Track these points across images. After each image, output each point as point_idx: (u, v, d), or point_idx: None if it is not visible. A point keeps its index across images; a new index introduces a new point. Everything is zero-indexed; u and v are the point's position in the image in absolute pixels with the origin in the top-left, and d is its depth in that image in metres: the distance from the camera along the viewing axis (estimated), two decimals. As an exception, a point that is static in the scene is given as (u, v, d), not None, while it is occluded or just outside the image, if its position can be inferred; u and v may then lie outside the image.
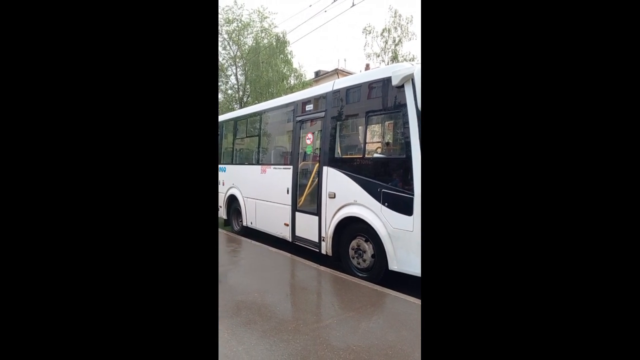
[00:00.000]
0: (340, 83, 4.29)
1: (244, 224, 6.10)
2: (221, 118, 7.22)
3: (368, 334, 2.43)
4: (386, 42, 13.03)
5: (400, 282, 3.44)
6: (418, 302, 2.97)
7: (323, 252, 4.30)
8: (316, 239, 4.39)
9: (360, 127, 4.14)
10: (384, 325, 2.58)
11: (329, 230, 4.15)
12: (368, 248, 3.75)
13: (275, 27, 16.20)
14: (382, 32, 13.01)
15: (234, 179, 6.50)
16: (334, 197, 4.06)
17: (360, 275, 3.79)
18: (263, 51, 15.27)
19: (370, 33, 13.28)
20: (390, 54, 12.99)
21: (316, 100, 4.64)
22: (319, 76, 21.19)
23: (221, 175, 6.81)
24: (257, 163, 5.85)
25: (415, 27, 12.96)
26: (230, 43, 16.24)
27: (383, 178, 3.54)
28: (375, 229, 3.53)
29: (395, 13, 12.75)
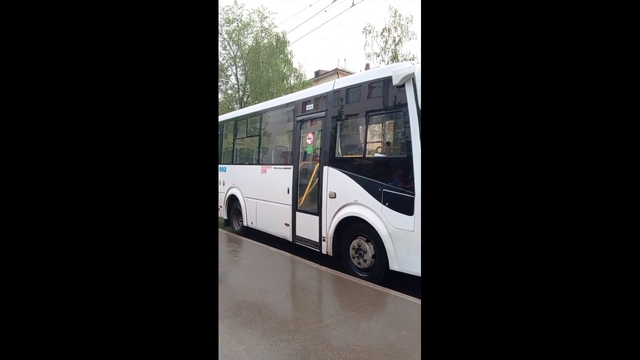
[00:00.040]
0: (341, 83, 4.29)
1: (245, 224, 6.10)
2: (221, 118, 7.22)
3: (368, 333, 2.43)
4: (386, 41, 13.03)
5: (401, 282, 3.44)
6: (418, 302, 2.97)
7: (324, 252, 4.30)
8: (317, 239, 4.39)
9: (360, 127, 4.13)
10: (384, 325, 2.58)
11: (329, 230, 4.15)
12: (369, 248, 3.75)
13: (275, 27, 16.22)
14: (382, 32, 13.00)
15: (235, 179, 6.50)
16: (335, 197, 4.06)
17: (361, 275, 3.78)
18: (263, 51, 15.27)
19: (370, 33, 13.27)
20: (390, 54, 12.98)
21: (317, 99, 4.64)
22: (319, 76, 21.20)
23: (221, 175, 6.81)
24: (258, 163, 5.85)
25: (415, 27, 12.97)
26: (230, 43, 16.24)
27: (384, 178, 3.54)
28: (376, 229, 3.53)
29: (395, 13, 12.75)
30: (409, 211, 3.24)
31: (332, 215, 4.10)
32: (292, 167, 4.84)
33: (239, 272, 4.05)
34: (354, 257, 3.94)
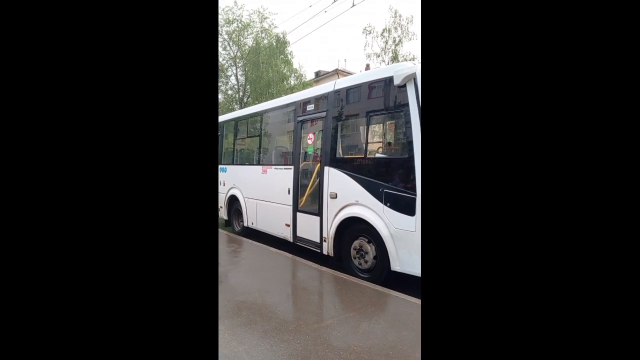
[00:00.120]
0: (342, 83, 4.29)
1: (245, 224, 6.10)
2: (222, 118, 7.22)
3: (369, 334, 2.43)
4: (386, 42, 13.02)
5: (402, 283, 3.43)
6: (419, 302, 2.97)
7: (324, 252, 4.29)
8: (318, 240, 4.39)
9: (361, 127, 4.13)
10: (384, 325, 2.57)
11: (330, 230, 4.14)
12: (370, 249, 3.74)
13: (275, 27, 16.22)
14: (382, 32, 13.00)
15: (235, 180, 6.50)
16: (336, 197, 4.05)
17: (363, 276, 3.77)
18: (263, 51, 15.27)
19: (370, 33, 13.27)
20: (390, 54, 12.98)
21: (317, 100, 4.65)
22: (319, 76, 21.20)
23: (222, 176, 6.82)
24: (258, 163, 5.85)
25: (415, 27, 12.96)
26: (231, 43, 16.24)
27: (385, 178, 3.53)
28: (378, 230, 3.53)
29: (396, 13, 12.75)
30: (410, 212, 3.23)
31: (333, 216, 4.09)
32: (292, 167, 4.84)
33: (239, 272, 4.05)
34: (355, 258, 3.93)
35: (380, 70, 4.04)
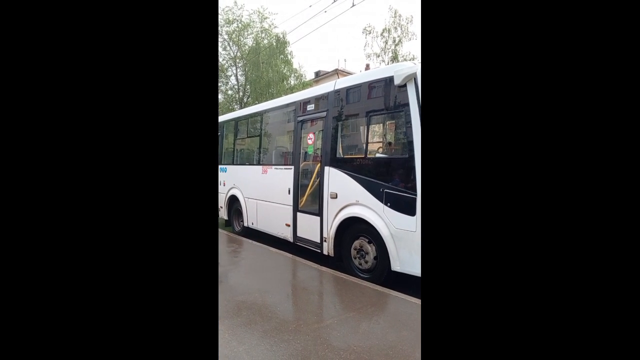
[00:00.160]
0: (342, 83, 4.29)
1: (245, 224, 6.10)
2: (222, 118, 7.22)
3: (369, 334, 2.43)
4: (386, 42, 13.01)
5: (402, 283, 3.43)
6: (419, 302, 2.97)
7: (325, 252, 4.29)
8: (318, 240, 4.39)
9: (362, 127, 4.13)
10: (384, 325, 2.57)
11: (330, 230, 4.14)
12: (370, 249, 3.74)
13: (275, 27, 16.21)
14: (382, 32, 12.99)
15: (235, 180, 6.50)
16: (336, 197, 4.05)
17: (363, 276, 3.77)
18: (263, 52, 15.27)
19: (370, 33, 13.26)
20: (390, 54, 12.98)
21: (317, 100, 4.64)
22: (319, 76, 21.19)
23: (222, 176, 6.82)
24: (258, 163, 5.85)
25: (415, 27, 12.95)
26: (231, 43, 16.24)
27: (385, 178, 3.53)
28: (378, 230, 3.53)
29: (395, 13, 12.75)
30: (411, 212, 3.23)
31: (334, 216, 4.09)
32: (292, 167, 4.84)
33: (240, 272, 4.05)
34: (355, 258, 3.93)
35: (380, 70, 4.04)
